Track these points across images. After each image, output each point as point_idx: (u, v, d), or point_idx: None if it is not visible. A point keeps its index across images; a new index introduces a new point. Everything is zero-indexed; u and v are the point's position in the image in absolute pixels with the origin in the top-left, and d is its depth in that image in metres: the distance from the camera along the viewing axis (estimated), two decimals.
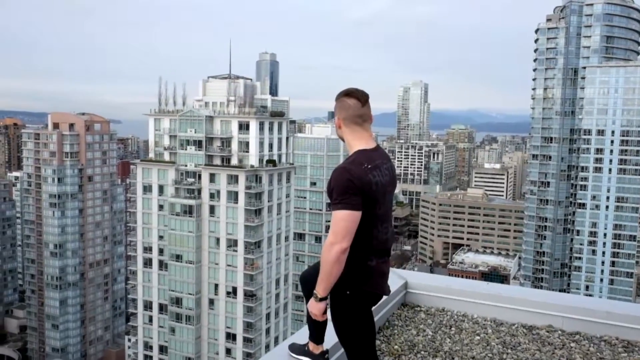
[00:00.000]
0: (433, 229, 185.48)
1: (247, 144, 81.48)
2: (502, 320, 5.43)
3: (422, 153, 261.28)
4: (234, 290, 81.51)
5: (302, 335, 4.08)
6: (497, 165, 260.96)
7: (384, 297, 5.21)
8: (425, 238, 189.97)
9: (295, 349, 3.90)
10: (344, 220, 3.16)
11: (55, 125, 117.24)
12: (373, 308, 4.98)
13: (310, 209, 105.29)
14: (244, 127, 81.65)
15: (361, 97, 3.47)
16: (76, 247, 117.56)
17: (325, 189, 3.37)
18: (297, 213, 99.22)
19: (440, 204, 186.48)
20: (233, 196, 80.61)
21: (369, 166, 3.30)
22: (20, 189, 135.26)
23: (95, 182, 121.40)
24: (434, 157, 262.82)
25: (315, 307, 3.35)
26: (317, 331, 3.79)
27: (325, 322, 3.77)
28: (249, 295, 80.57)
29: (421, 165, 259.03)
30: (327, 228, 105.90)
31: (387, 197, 3.42)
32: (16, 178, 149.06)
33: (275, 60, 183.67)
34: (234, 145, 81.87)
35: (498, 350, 4.80)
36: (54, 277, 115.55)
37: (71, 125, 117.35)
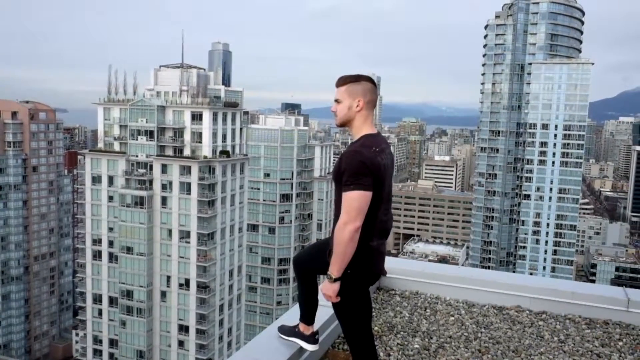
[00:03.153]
0: None
1: (200, 134, 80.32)
2: (474, 302, 5.68)
3: None
4: (187, 282, 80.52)
5: (290, 317, 4.16)
6: (447, 158, 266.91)
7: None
8: None
9: (286, 330, 3.98)
10: (357, 200, 3.25)
11: None
12: None
13: (264, 200, 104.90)
14: (196, 117, 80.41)
15: (374, 83, 3.62)
16: (20, 239, 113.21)
17: (333, 171, 3.42)
18: (251, 204, 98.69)
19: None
20: (186, 187, 79.41)
21: (377, 149, 3.42)
22: None
23: (40, 172, 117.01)
24: None
25: (329, 289, 3.39)
26: (308, 312, 3.87)
27: (317, 303, 3.86)
28: (202, 287, 79.79)
29: None
30: (281, 219, 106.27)
31: (389, 179, 3.53)
32: None
33: (228, 51, 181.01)
34: (187, 136, 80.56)
35: (472, 329, 5.04)
36: None
37: (14, 114, 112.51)
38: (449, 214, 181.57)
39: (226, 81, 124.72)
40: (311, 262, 3.74)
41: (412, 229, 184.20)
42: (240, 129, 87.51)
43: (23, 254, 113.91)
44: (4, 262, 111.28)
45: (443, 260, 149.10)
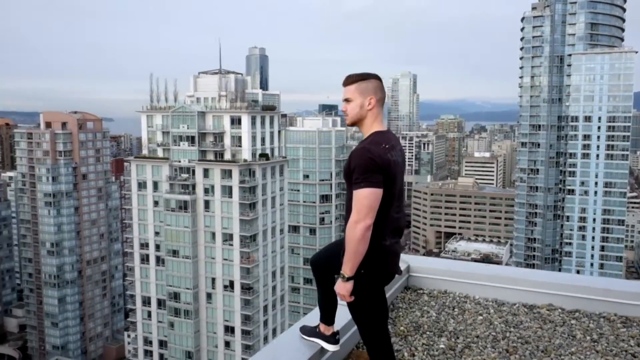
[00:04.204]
0: (425, 218, 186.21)
1: (240, 138, 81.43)
2: (504, 301, 5.59)
3: (412, 143, 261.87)
4: (231, 283, 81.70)
5: (313, 318, 4.20)
6: (487, 154, 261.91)
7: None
8: (418, 227, 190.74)
9: (307, 330, 4.02)
10: (367, 198, 3.25)
11: (48, 124, 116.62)
12: None
13: (304, 201, 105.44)
14: (235, 121, 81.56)
15: (382, 81, 3.64)
16: (73, 245, 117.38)
17: (343, 170, 3.43)
18: (291, 206, 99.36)
19: (431, 194, 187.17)
20: (227, 191, 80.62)
21: (387, 146, 3.40)
22: (14, 188, 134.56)
23: (89, 179, 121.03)
24: (424, 147, 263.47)
25: (343, 288, 3.38)
26: (328, 313, 3.91)
27: (336, 304, 3.89)
28: (246, 289, 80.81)
29: (412, 155, 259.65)
30: (321, 220, 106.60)
31: (401, 176, 3.51)
32: (10, 178, 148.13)
33: (264, 55, 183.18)
34: (227, 140, 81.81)
35: (501, 329, 4.96)
36: (52, 276, 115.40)
37: (64, 124, 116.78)
38: (491, 211, 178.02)
39: (264, 85, 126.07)
40: (328, 262, 3.77)
41: (454, 227, 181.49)
42: (279, 131, 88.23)
43: (76, 259, 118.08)
44: (59, 266, 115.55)
45: (486, 258, 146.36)
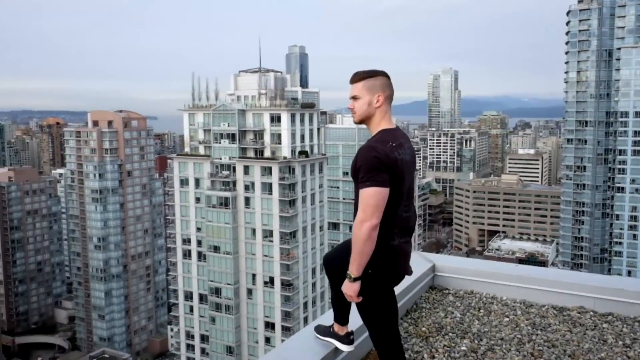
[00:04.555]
0: (468, 216, 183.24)
1: (279, 135, 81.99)
2: (532, 302, 5.41)
3: (454, 140, 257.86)
4: (271, 280, 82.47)
5: (328, 318, 4.16)
6: (532, 151, 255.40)
7: (411, 280, 5.33)
8: (460, 225, 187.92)
9: (321, 330, 3.98)
10: (373, 197, 3.20)
11: (95, 123, 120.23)
12: (400, 290, 5.07)
13: (344, 198, 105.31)
14: (275, 119, 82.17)
15: (389, 78, 3.58)
16: (118, 240, 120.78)
17: (350, 168, 3.39)
18: (331, 203, 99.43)
19: (474, 191, 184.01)
20: (267, 187, 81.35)
21: (394, 144, 3.34)
22: (64, 185, 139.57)
23: (134, 176, 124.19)
24: (466, 144, 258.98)
25: (350, 288, 3.35)
26: (341, 312, 3.85)
27: (349, 303, 3.83)
28: (286, 285, 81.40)
29: (454, 152, 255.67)
30: None
31: (409, 175, 3.44)
32: (60, 175, 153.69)
33: (304, 53, 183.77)
34: (267, 138, 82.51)
35: (527, 331, 4.80)
36: (99, 270, 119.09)
37: (110, 123, 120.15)
38: (536, 209, 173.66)
39: (303, 83, 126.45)
40: (340, 261, 3.70)
41: (497, 225, 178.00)
42: (318, 129, 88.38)
43: (121, 254, 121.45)
44: (106, 260, 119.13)
45: (531, 257, 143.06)
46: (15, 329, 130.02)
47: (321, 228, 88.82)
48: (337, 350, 3.88)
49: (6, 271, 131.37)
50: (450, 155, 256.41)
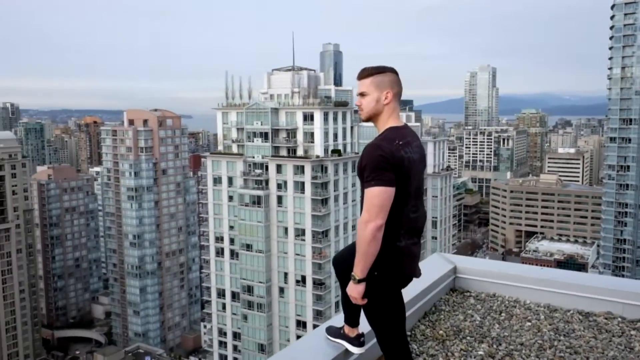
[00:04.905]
0: (504, 216, 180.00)
1: (312, 134, 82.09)
2: (557, 307, 5.21)
3: (491, 139, 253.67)
4: (303, 278, 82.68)
5: (340, 319, 4.09)
6: (572, 150, 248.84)
7: (430, 281, 5.20)
8: (497, 226, 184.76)
9: (332, 331, 3.91)
10: (378, 197, 3.12)
11: (131, 122, 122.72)
12: (418, 292, 4.96)
13: None
14: (308, 117, 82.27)
15: (398, 74, 3.49)
16: (153, 237, 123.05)
17: (356, 167, 3.30)
18: None
19: (511, 191, 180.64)
20: (300, 186, 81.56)
21: (401, 142, 3.25)
22: (101, 183, 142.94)
23: (169, 175, 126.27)
24: (503, 142, 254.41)
25: (354, 290, 3.27)
26: (351, 314, 3.77)
27: (360, 305, 3.75)
28: (318, 284, 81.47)
29: (490, 151, 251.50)
30: None
31: (418, 174, 3.35)
32: (97, 173, 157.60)
33: (338, 51, 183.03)
34: (299, 136, 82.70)
35: (549, 336, 4.62)
36: (134, 266, 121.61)
37: (145, 122, 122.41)
38: (575, 209, 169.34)
39: (338, 81, 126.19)
40: (349, 262, 3.62)
41: (535, 226, 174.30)
42: (351, 127, 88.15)
43: (156, 251, 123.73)
44: (141, 257, 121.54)
45: (570, 259, 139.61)
46: (54, 323, 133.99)
47: (353, 227, 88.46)
48: (347, 352, 3.80)
49: (46, 267, 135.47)
50: (487, 154, 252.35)
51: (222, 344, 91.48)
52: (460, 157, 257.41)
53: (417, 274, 3.49)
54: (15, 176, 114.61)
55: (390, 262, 3.29)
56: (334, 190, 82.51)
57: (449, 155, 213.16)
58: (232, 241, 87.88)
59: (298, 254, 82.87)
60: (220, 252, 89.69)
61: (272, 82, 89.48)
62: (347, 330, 3.81)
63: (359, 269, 3.22)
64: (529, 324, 4.87)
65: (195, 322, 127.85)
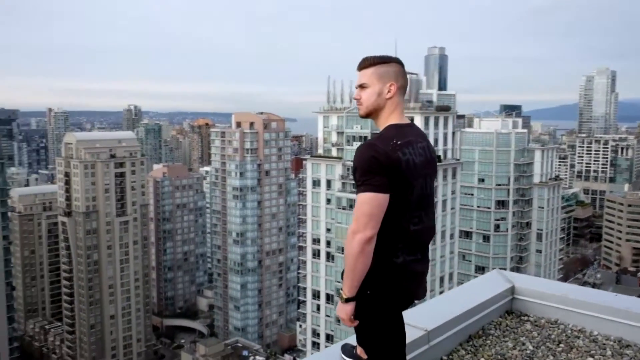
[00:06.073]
0: (620, 232, 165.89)
1: None
2: (630, 342, 4.50)
3: (607, 148, 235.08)
4: None
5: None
6: None
7: (480, 300, 4.71)
8: (611, 242, 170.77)
9: (347, 350, 3.59)
10: (368, 204, 2.74)
11: (238, 124, 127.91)
12: (463, 311, 4.49)
13: (478, 206, 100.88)
14: None
15: (404, 65, 3.11)
16: (255, 236, 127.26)
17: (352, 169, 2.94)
18: (464, 210, 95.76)
19: (629, 205, 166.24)
20: None
21: (399, 142, 2.85)
22: (209, 182, 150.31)
23: (272, 176, 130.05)
24: (622, 152, 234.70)
25: (341, 310, 2.92)
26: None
27: None
28: None
29: (606, 161, 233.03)
30: (496, 227, 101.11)
31: (422, 180, 2.92)
32: (206, 172, 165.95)
33: (444, 54, 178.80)
34: None
35: None
36: (236, 263, 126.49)
37: (251, 124, 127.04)
38: None
39: (442, 85, 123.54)
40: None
41: None
42: (453, 132, 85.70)
43: (257, 249, 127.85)
44: (243, 255, 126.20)
45: None
46: (164, 312, 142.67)
47: (452, 236, 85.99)
48: None
49: (158, 258, 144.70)
50: (603, 164, 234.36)
51: (315, 345, 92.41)
52: (572, 166, 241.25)
53: (418, 295, 3.07)
54: (135, 173, 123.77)
55: (386, 280, 2.89)
56: None
57: (559, 164, 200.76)
58: (328, 243, 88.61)
59: None
60: (316, 254, 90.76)
61: None
62: (359, 351, 3.47)
63: (347, 286, 2.85)
64: (591, 359, 4.25)
65: (292, 321, 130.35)
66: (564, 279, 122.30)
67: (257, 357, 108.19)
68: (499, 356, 4.25)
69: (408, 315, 4.11)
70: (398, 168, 2.80)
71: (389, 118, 3.05)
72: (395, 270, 2.91)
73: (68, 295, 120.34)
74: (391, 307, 3.03)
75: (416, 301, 3.16)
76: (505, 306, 5.06)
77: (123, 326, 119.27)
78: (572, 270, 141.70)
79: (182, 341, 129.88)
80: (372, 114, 3.09)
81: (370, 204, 2.74)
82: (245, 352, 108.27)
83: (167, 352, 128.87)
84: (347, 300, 2.89)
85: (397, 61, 3.08)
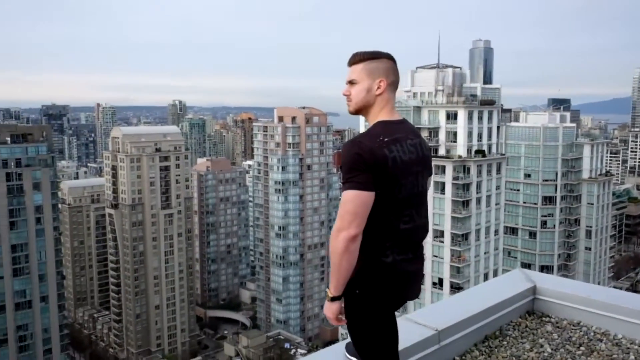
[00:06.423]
0: None
1: (455, 133, 79.42)
2: None
3: None
4: (440, 281, 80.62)
5: None
6: None
7: (498, 300, 4.59)
8: None
9: (350, 349, 3.57)
10: (352, 202, 2.70)
11: (280, 119, 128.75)
12: (480, 310, 4.38)
13: (524, 202, 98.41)
14: (451, 116, 79.72)
15: (395, 61, 3.04)
16: (297, 229, 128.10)
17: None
18: (509, 206, 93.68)
19: None
20: (440, 187, 79.44)
21: (386, 139, 2.80)
22: (252, 175, 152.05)
23: (313, 170, 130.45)
24: None
25: (327, 309, 2.90)
26: None
27: None
28: (455, 288, 78.74)
29: None
30: (543, 223, 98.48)
31: (412, 178, 2.85)
32: (249, 166, 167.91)
33: (489, 47, 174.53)
34: (442, 135, 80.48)
35: None
36: (278, 256, 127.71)
37: (293, 119, 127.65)
38: None
39: (487, 78, 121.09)
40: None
41: None
42: (498, 127, 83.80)
43: (299, 243, 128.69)
44: (284, 248, 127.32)
45: None
46: (207, 303, 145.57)
47: (496, 232, 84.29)
48: None
49: (202, 250, 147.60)
50: None
51: None
52: (624, 161, 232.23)
53: (410, 295, 3.01)
54: (179, 167, 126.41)
55: (374, 279, 2.84)
56: (477, 192, 79.13)
57: (610, 160, 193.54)
58: None
59: (436, 256, 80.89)
60: None
61: (416, 80, 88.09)
62: None
63: (333, 285, 2.82)
64: None
65: None
66: (615, 277, 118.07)
67: (299, 349, 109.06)
68: (514, 358, 4.13)
69: (419, 314, 4.05)
70: (384, 165, 2.75)
71: (379, 115, 2.98)
72: (384, 269, 2.87)
73: (115, 285, 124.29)
74: (381, 306, 2.97)
75: (416, 301, 3.10)
76: (526, 306, 4.91)
77: (168, 316, 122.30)
78: (624, 268, 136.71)
79: (225, 332, 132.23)
80: (361, 110, 3.03)
81: (354, 202, 2.71)
82: (287, 345, 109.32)
83: (210, 342, 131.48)
84: (333, 299, 2.87)
85: (389, 57, 3.02)
